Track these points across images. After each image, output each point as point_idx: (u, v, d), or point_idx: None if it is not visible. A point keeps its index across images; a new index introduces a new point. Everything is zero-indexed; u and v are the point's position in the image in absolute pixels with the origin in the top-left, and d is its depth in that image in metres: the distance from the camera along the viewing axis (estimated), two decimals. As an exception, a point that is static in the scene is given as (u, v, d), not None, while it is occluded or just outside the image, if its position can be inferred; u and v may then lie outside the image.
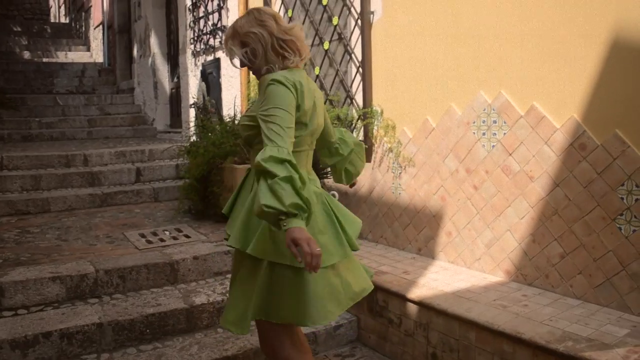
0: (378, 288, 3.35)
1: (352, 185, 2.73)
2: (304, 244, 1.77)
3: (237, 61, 2.28)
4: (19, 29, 14.71)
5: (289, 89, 2.03)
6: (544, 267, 3.12)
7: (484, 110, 3.38)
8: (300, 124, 2.11)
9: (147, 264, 3.57)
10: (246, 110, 2.26)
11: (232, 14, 6.09)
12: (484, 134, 3.40)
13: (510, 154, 3.25)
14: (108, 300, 3.36)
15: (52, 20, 19.10)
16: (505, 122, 3.27)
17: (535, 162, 3.12)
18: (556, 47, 2.98)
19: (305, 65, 4.84)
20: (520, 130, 3.19)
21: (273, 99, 2.01)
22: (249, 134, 2.18)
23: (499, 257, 3.36)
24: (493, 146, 3.35)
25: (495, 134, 3.34)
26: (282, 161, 1.85)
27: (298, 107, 2.07)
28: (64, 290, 3.32)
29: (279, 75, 2.07)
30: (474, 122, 3.45)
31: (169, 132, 8.48)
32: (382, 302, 3.35)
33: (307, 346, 2.38)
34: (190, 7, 7.25)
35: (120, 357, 2.97)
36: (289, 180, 1.81)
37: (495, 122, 3.33)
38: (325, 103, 4.59)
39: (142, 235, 4.32)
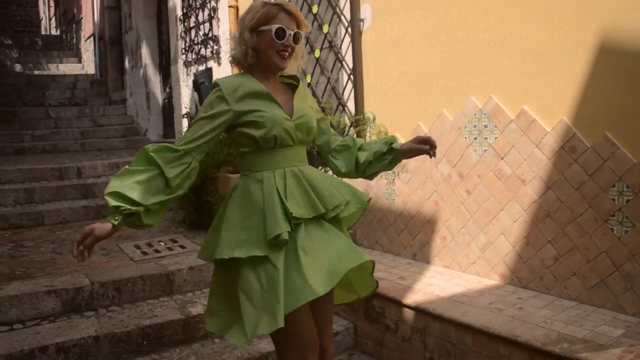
0: (374, 295, 3.36)
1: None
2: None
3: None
4: (10, 42, 14.71)
5: None
6: (539, 269, 3.14)
7: (475, 115, 3.41)
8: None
9: (143, 276, 3.56)
10: (304, 107, 2.14)
11: (223, 24, 6.11)
12: (475, 138, 3.42)
13: (502, 158, 3.27)
14: (104, 312, 3.35)
15: (43, 32, 19.13)
16: (496, 127, 3.30)
17: (527, 165, 3.14)
18: (545, 51, 3.01)
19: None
20: (511, 134, 3.22)
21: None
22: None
23: (494, 261, 3.37)
24: (485, 150, 3.37)
25: (486, 138, 3.36)
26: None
27: None
28: (60, 304, 3.31)
29: None
30: (466, 127, 3.47)
31: (162, 143, 8.46)
32: (378, 308, 3.36)
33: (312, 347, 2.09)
34: (181, 18, 7.27)
35: (117, 369, 2.97)
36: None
37: (486, 126, 3.35)
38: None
39: (137, 247, 4.32)
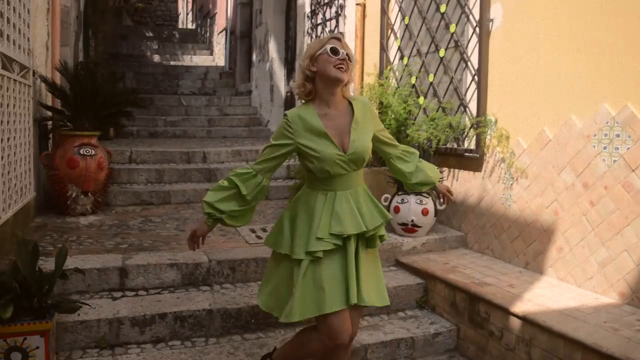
0: (481, 299, 3.30)
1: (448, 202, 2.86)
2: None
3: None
4: (151, 34, 15.82)
5: None
6: (665, 291, 2.92)
7: (607, 123, 3.22)
8: None
9: (256, 258, 3.73)
10: (361, 137, 2.46)
11: (349, 21, 6.21)
12: (605, 147, 3.24)
13: (633, 170, 3.08)
14: (218, 289, 3.56)
15: (180, 26, 20.35)
16: (629, 137, 3.10)
17: (661, 179, 2.93)
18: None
19: (417, 73, 4.81)
20: (645, 145, 3.01)
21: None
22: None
23: (614, 278, 3.18)
24: (614, 161, 3.18)
25: (617, 148, 3.17)
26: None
27: None
28: (180, 277, 3.55)
29: None
30: (595, 135, 3.29)
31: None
32: (484, 313, 3.28)
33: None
34: (309, 14, 7.47)
35: (226, 342, 3.14)
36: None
37: (618, 135, 3.16)
38: (437, 110, 4.59)
39: (252, 231, 4.52)
